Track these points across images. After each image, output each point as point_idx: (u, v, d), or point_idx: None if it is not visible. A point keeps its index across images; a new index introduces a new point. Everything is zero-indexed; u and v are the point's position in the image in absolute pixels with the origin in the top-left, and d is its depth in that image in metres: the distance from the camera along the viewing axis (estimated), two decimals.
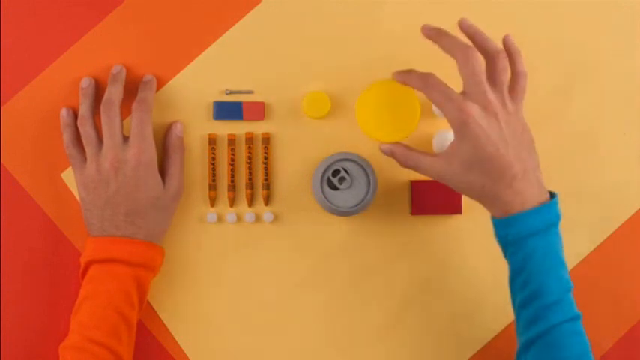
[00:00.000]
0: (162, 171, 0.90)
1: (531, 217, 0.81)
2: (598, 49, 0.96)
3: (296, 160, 0.94)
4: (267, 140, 0.93)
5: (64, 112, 0.91)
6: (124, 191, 0.87)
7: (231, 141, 0.93)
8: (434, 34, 0.85)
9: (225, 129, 0.94)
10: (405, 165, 0.85)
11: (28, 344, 0.93)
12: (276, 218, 0.94)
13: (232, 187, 0.93)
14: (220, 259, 0.93)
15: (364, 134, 0.88)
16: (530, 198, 0.82)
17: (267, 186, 0.93)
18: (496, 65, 0.82)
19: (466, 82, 0.82)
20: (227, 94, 0.94)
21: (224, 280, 0.93)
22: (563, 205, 0.94)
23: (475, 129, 0.80)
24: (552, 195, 0.84)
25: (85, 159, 0.89)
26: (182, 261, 0.93)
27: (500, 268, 0.94)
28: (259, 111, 0.94)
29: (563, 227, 0.94)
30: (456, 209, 0.92)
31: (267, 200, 0.93)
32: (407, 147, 0.86)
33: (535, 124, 0.95)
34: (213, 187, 0.93)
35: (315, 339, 0.94)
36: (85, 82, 0.91)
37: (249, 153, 0.93)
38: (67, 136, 0.90)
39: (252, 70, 0.94)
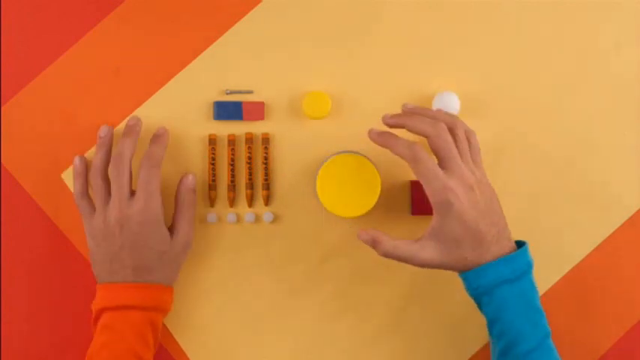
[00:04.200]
0: (172, 222, 0.90)
1: (500, 265, 0.82)
2: (598, 50, 0.96)
3: (296, 160, 0.94)
4: (267, 140, 0.93)
5: (77, 160, 0.91)
6: (129, 247, 0.86)
7: (231, 141, 0.93)
8: (396, 122, 0.85)
9: (225, 129, 0.94)
10: (387, 253, 0.83)
11: (28, 344, 0.93)
12: (276, 218, 0.94)
13: (232, 187, 0.93)
14: (220, 258, 0.93)
15: (328, 210, 0.87)
16: (499, 253, 0.83)
17: (267, 186, 0.93)
18: (456, 135, 0.84)
19: (441, 157, 0.82)
20: (227, 94, 0.94)
21: (224, 280, 0.93)
22: (564, 205, 0.94)
23: (459, 207, 0.81)
24: (521, 244, 0.85)
25: (94, 209, 0.89)
26: None
27: None
28: (259, 111, 0.94)
29: (563, 227, 0.94)
30: None
31: (267, 200, 0.93)
32: (388, 238, 0.83)
33: (535, 125, 0.95)
34: (213, 187, 0.93)
35: (314, 338, 0.94)
36: (103, 131, 0.90)
37: (249, 153, 0.93)
38: (77, 186, 0.90)
39: (252, 70, 0.94)
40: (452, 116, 0.85)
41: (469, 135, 0.85)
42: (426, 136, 0.83)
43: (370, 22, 0.95)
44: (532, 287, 0.83)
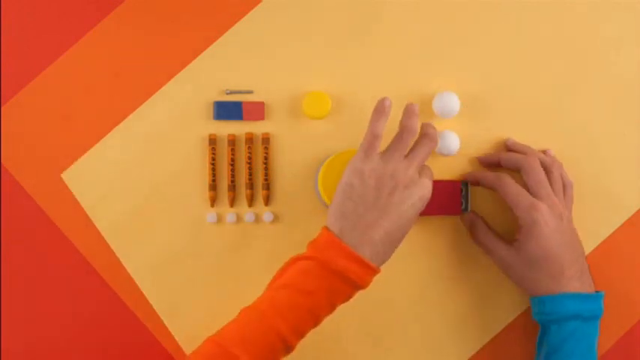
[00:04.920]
0: None
1: (582, 299, 0.85)
2: (598, 50, 0.96)
3: (296, 160, 0.94)
4: (267, 140, 0.93)
5: (387, 101, 0.83)
6: (398, 209, 0.81)
7: (231, 141, 0.93)
8: (491, 159, 0.92)
9: (225, 129, 0.94)
10: (478, 239, 0.90)
11: (28, 344, 0.93)
12: (276, 218, 0.94)
13: (232, 187, 0.93)
14: (220, 258, 0.93)
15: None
16: (580, 289, 0.86)
17: (267, 186, 0.93)
18: (552, 174, 0.88)
19: (532, 186, 0.87)
20: (227, 94, 0.94)
21: (224, 280, 0.93)
22: None
23: (543, 228, 0.85)
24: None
25: (375, 150, 0.82)
26: (182, 261, 0.93)
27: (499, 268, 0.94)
28: (259, 111, 0.94)
29: None
30: (456, 209, 0.92)
31: (267, 200, 0.93)
32: (487, 228, 0.91)
33: (536, 125, 0.95)
34: (213, 187, 0.93)
35: (314, 338, 0.94)
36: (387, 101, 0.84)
37: (249, 153, 0.93)
38: (382, 124, 0.83)
39: (252, 70, 0.94)
40: (551, 157, 0.91)
41: (565, 183, 0.90)
42: (519, 168, 0.89)
43: (370, 22, 0.95)
44: (596, 334, 0.86)
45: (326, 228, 0.82)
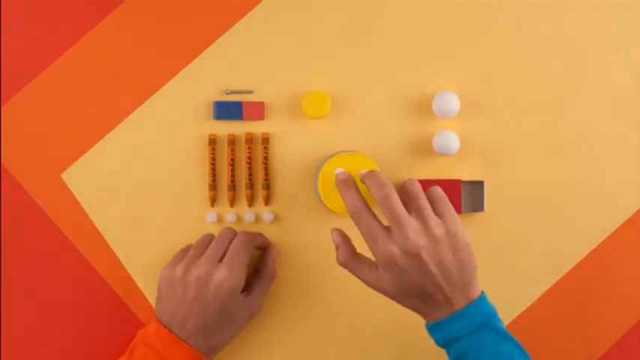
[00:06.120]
0: (250, 289, 0.90)
1: (453, 322, 0.80)
2: (598, 50, 0.96)
3: (296, 160, 0.94)
4: (267, 140, 0.93)
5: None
6: (199, 304, 0.86)
7: (231, 141, 0.93)
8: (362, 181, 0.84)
9: (225, 129, 0.94)
10: (343, 264, 0.83)
11: (28, 344, 0.93)
12: (276, 218, 0.94)
13: (232, 187, 0.93)
14: None
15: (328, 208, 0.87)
16: (450, 310, 0.81)
17: (267, 186, 0.93)
18: (409, 192, 0.82)
19: (389, 221, 0.80)
20: (227, 94, 0.94)
21: None
22: (564, 205, 0.94)
23: (396, 270, 0.79)
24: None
25: (181, 260, 0.89)
26: None
27: (499, 268, 0.94)
28: (259, 111, 0.94)
29: (563, 227, 0.94)
30: (456, 209, 0.92)
31: (267, 200, 0.93)
32: (353, 249, 0.83)
33: (536, 125, 0.95)
34: (213, 187, 0.93)
35: (315, 338, 0.94)
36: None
37: (249, 153, 0.93)
38: (203, 241, 0.90)
39: (252, 70, 0.94)
40: (404, 180, 0.84)
41: (431, 190, 0.83)
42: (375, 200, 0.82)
43: (370, 22, 0.95)
44: (493, 338, 0.80)
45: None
